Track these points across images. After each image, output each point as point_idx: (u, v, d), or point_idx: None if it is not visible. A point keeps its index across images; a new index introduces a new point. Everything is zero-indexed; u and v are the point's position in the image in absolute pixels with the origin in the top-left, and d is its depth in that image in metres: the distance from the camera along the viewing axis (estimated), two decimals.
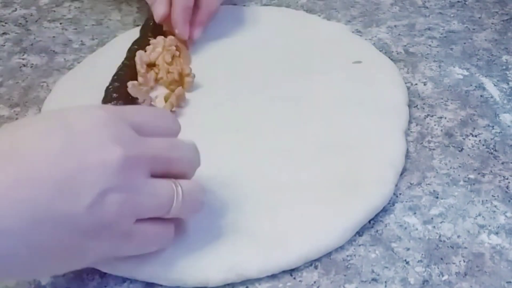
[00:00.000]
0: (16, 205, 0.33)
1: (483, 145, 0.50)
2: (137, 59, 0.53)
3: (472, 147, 0.50)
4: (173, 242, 0.41)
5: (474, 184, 0.47)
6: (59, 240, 0.34)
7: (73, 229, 0.34)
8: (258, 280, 0.41)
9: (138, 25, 0.61)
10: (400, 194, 0.46)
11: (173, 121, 0.41)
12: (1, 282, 0.40)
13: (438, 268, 0.42)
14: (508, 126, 0.52)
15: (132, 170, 0.36)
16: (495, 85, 0.56)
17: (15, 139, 0.35)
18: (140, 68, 0.53)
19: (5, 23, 0.62)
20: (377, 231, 0.44)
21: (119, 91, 0.51)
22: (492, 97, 0.55)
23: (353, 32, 0.62)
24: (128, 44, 0.56)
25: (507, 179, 0.48)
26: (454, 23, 0.64)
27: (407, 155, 0.49)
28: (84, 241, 0.35)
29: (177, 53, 0.56)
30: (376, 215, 0.44)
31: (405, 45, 0.61)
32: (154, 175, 0.37)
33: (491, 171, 0.48)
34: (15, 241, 0.33)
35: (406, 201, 0.46)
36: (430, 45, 0.61)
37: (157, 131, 0.39)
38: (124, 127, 0.37)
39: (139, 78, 0.52)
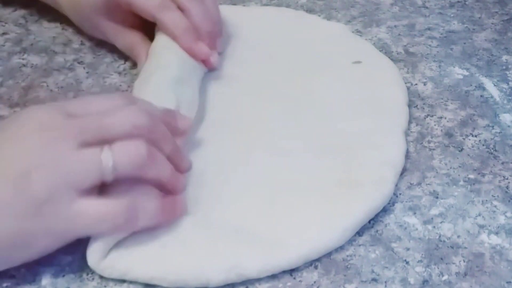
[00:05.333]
0: None
1: (483, 145, 0.51)
2: None
3: (472, 147, 0.50)
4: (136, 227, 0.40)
5: (474, 184, 0.47)
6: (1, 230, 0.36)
7: (9, 215, 0.36)
8: (258, 280, 0.41)
9: None
10: (400, 194, 0.46)
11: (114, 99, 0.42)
12: (1, 283, 0.40)
13: (438, 268, 0.42)
14: (508, 126, 0.52)
15: (54, 147, 0.38)
16: (495, 85, 0.56)
17: None
18: None
19: (5, 23, 0.62)
20: (377, 231, 0.44)
21: None
22: (492, 97, 0.55)
23: (353, 32, 0.62)
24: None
25: (507, 179, 0.48)
26: (454, 23, 0.64)
27: (407, 155, 0.49)
28: (27, 224, 0.37)
29: None
30: (376, 215, 0.44)
31: (405, 45, 0.61)
32: (88, 144, 0.38)
33: (491, 171, 0.48)
34: None
35: (406, 201, 0.46)
36: (430, 45, 0.61)
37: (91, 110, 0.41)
38: (53, 117, 0.39)
39: None
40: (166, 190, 0.42)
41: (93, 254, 0.40)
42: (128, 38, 0.55)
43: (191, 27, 0.52)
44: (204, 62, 0.53)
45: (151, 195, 0.41)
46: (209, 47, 0.53)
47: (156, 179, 0.41)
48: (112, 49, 0.59)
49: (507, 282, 0.41)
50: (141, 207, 0.40)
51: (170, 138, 0.43)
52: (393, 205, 0.46)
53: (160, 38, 0.53)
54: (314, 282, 0.41)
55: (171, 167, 0.42)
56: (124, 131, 0.40)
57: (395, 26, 0.63)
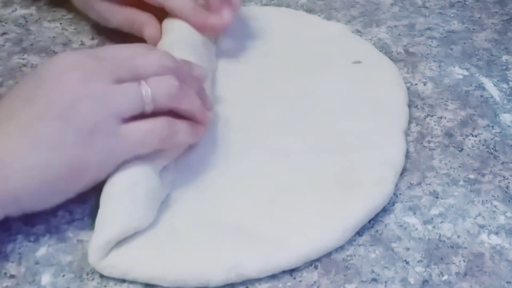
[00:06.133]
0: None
1: (483, 145, 0.51)
2: None
3: (472, 147, 0.50)
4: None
5: (474, 184, 0.47)
6: (56, 160, 0.40)
7: (61, 146, 0.40)
8: (258, 280, 0.41)
9: None
10: (400, 194, 0.46)
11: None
12: (1, 283, 0.40)
13: (438, 268, 0.42)
14: (508, 126, 0.52)
15: (93, 82, 0.41)
16: (495, 85, 0.56)
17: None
18: None
19: (5, 23, 0.62)
20: (377, 231, 0.44)
21: None
22: (492, 97, 0.55)
23: (353, 32, 0.62)
24: None
25: (507, 179, 0.48)
26: (454, 23, 0.64)
27: (407, 155, 0.49)
28: (78, 152, 0.40)
29: None
30: (376, 215, 0.44)
31: (405, 45, 0.61)
32: (123, 81, 0.42)
33: (491, 171, 0.48)
34: (25, 177, 0.39)
35: (406, 201, 0.46)
36: (430, 45, 0.61)
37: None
38: (85, 58, 0.43)
39: None
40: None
41: (94, 253, 0.40)
42: (126, 14, 0.56)
43: (198, 4, 0.54)
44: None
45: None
46: (222, 6, 0.54)
47: (188, 110, 0.45)
48: None
49: (507, 282, 0.41)
50: (178, 123, 0.44)
51: (195, 78, 0.47)
52: (393, 205, 0.46)
53: (167, 37, 0.53)
54: (314, 282, 0.41)
55: (199, 101, 0.46)
56: (153, 71, 0.43)
57: (395, 26, 0.63)
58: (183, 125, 0.44)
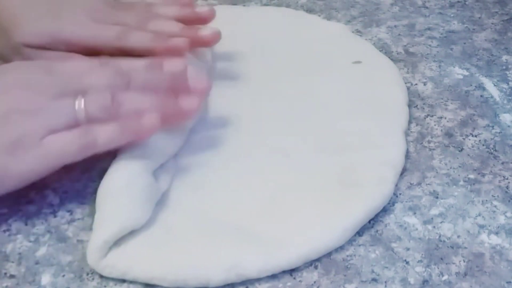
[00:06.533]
0: None
1: (483, 145, 0.51)
2: None
3: (472, 147, 0.50)
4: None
5: (474, 184, 0.47)
6: None
7: None
8: (258, 280, 0.41)
9: None
10: (400, 194, 0.46)
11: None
12: (1, 283, 0.40)
13: (438, 268, 0.42)
14: (508, 126, 0.52)
15: (33, 96, 0.42)
16: (495, 85, 0.56)
17: None
18: None
19: None
20: (377, 231, 0.44)
21: None
22: (492, 97, 0.55)
23: (353, 32, 0.62)
24: None
25: (507, 179, 0.48)
26: (454, 23, 0.64)
27: (407, 155, 0.49)
28: (1, 159, 0.41)
29: None
30: (376, 215, 0.44)
31: (405, 45, 0.61)
32: (65, 96, 0.43)
33: (491, 171, 0.48)
34: None
35: (406, 201, 0.46)
36: (430, 45, 0.61)
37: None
38: (35, 71, 0.44)
39: None
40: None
41: (93, 253, 0.40)
42: (50, 55, 0.52)
43: (183, 26, 0.52)
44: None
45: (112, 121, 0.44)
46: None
47: (132, 114, 0.44)
48: None
49: (507, 282, 0.41)
50: (97, 128, 0.43)
51: (159, 78, 0.46)
52: (393, 205, 0.46)
53: None
54: (314, 282, 0.41)
55: (155, 98, 0.45)
56: (99, 88, 0.43)
57: (395, 26, 0.63)
58: (105, 129, 0.43)
